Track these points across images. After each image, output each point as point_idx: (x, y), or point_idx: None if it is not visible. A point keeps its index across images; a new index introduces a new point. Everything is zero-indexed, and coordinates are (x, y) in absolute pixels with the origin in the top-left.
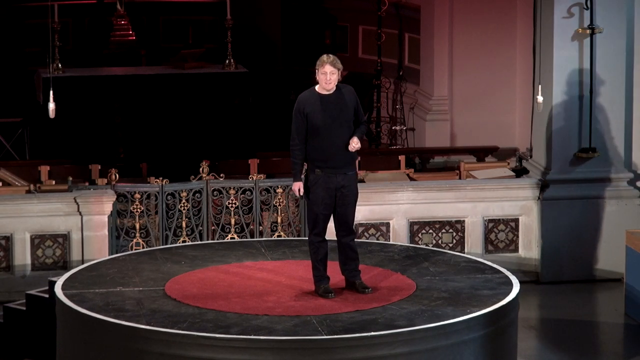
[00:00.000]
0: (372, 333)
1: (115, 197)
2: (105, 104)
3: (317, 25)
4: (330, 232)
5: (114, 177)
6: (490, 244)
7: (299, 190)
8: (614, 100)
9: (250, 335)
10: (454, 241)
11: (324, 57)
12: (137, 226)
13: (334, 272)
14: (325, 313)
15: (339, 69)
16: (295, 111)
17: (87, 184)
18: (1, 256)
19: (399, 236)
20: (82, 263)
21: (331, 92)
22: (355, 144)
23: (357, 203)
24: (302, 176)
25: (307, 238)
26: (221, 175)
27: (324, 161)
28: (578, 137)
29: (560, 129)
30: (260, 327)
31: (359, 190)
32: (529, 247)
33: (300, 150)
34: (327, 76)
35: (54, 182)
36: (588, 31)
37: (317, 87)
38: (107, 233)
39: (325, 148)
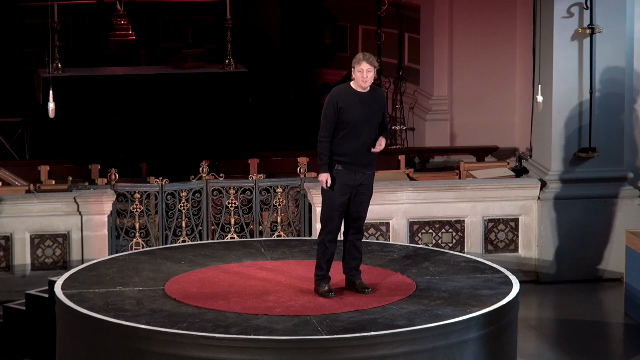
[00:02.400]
0: (372, 333)
1: (115, 197)
2: (105, 104)
3: (317, 25)
4: None
5: (114, 177)
6: (490, 244)
7: (327, 182)
8: (614, 100)
9: (250, 335)
10: (454, 241)
11: (360, 55)
12: (137, 226)
13: (335, 272)
14: (325, 313)
15: (375, 67)
16: (328, 104)
17: (87, 184)
18: (1, 256)
19: (399, 236)
20: (82, 263)
21: (367, 90)
22: (381, 145)
23: None
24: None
25: (307, 238)
26: (221, 175)
27: (348, 157)
28: (578, 137)
29: (560, 129)
30: (260, 327)
31: None
32: (529, 247)
33: (329, 143)
34: (364, 74)
35: (54, 182)
36: (588, 31)
37: (352, 84)
38: (107, 233)
39: (352, 145)
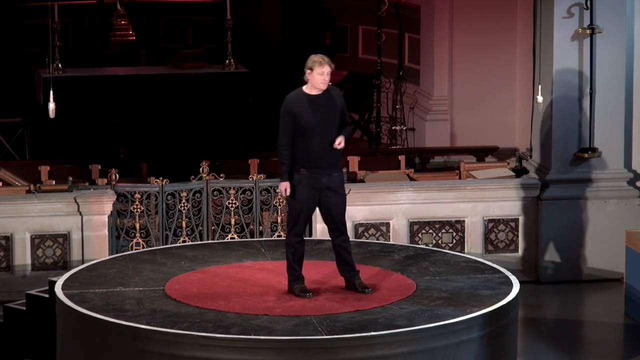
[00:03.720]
0: (372, 333)
1: (115, 197)
2: (105, 104)
3: (317, 25)
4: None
5: (114, 177)
6: (490, 244)
7: (286, 190)
8: (614, 100)
9: (250, 335)
10: (454, 241)
11: (318, 57)
12: (137, 226)
13: (336, 273)
14: (325, 313)
15: (332, 69)
16: (283, 111)
17: (87, 184)
18: (1, 256)
19: (399, 236)
20: (82, 263)
21: (320, 93)
22: (339, 141)
23: (358, 203)
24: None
25: (307, 238)
26: (221, 175)
27: (310, 162)
28: (578, 137)
29: (560, 129)
30: (260, 327)
31: (359, 190)
32: (529, 247)
33: (287, 151)
34: (325, 76)
35: (54, 182)
36: (588, 31)
37: (304, 88)
38: (107, 233)
39: (311, 149)
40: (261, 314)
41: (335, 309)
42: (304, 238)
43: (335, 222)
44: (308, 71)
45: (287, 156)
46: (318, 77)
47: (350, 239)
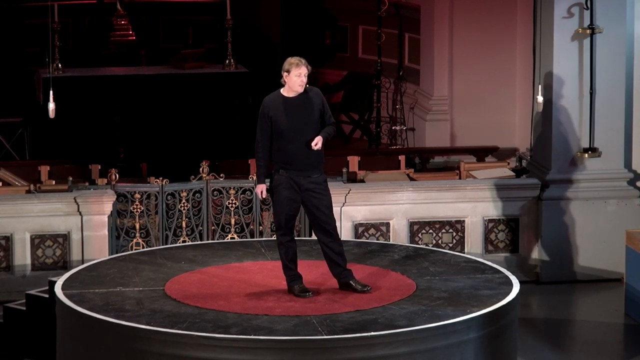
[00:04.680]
0: (372, 333)
1: (115, 197)
2: (105, 104)
3: (317, 25)
4: None
5: (114, 177)
6: (490, 244)
7: (262, 192)
8: (614, 101)
9: (250, 335)
10: (454, 241)
11: (295, 59)
12: (137, 226)
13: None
14: (325, 313)
15: (309, 70)
16: (260, 115)
17: (87, 184)
18: (1, 256)
19: (399, 236)
20: (82, 263)
21: (297, 95)
22: (316, 142)
23: (358, 203)
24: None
25: (307, 238)
26: (221, 175)
27: (288, 163)
28: (578, 137)
29: (560, 129)
30: (260, 327)
31: (359, 190)
32: (529, 247)
33: (264, 154)
34: (302, 77)
35: (54, 182)
36: (588, 31)
37: (282, 90)
38: (107, 233)
39: (289, 151)
40: (261, 314)
41: (335, 309)
42: (294, 237)
43: (319, 223)
44: (285, 74)
45: (264, 159)
46: (295, 79)
47: (351, 239)
